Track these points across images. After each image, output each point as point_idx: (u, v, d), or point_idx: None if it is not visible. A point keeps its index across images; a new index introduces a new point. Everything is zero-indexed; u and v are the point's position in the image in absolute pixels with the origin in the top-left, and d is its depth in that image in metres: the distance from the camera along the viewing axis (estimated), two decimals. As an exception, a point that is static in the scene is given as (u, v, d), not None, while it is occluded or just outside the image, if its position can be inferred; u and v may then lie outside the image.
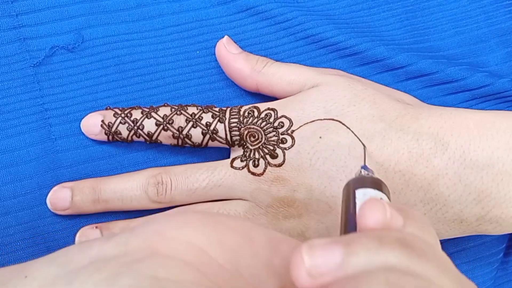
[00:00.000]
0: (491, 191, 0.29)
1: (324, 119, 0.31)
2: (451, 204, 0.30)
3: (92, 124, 0.32)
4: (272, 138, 0.31)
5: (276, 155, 0.31)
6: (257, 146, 0.32)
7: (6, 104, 0.32)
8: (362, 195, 0.22)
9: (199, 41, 0.35)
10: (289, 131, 0.31)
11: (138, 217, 0.33)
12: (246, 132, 0.32)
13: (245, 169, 0.31)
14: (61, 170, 0.33)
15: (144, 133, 0.32)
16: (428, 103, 0.35)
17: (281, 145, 0.31)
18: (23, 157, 0.32)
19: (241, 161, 0.32)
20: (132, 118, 0.32)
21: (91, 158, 0.33)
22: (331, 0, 0.37)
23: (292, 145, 0.31)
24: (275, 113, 0.32)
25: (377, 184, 0.23)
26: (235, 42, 0.34)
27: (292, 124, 0.31)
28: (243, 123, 0.32)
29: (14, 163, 0.32)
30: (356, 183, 0.23)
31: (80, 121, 0.33)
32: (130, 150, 0.34)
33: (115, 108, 0.33)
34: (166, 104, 0.33)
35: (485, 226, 0.31)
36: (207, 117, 0.32)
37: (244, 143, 0.32)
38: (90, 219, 0.33)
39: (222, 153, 0.34)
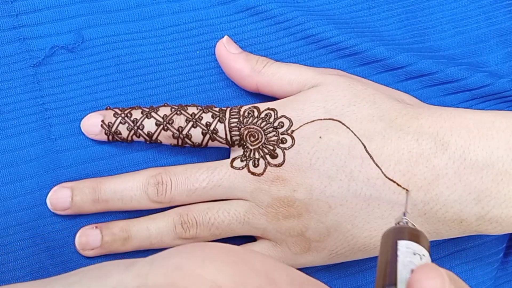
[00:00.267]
0: (491, 191, 0.30)
1: (324, 119, 0.31)
2: (451, 204, 0.30)
3: (92, 124, 0.32)
4: (272, 138, 0.31)
5: (276, 155, 0.31)
6: (257, 146, 0.32)
7: (6, 104, 0.32)
8: (405, 248, 0.22)
9: (199, 41, 0.35)
10: (289, 131, 0.31)
11: (138, 217, 0.33)
12: (246, 132, 0.32)
13: (245, 169, 0.31)
14: (61, 170, 0.33)
15: (144, 133, 0.32)
16: (428, 103, 0.35)
17: (281, 145, 0.31)
18: (23, 157, 0.32)
19: (241, 161, 0.32)
20: (132, 118, 0.32)
21: (91, 158, 0.33)
22: (331, 0, 0.37)
23: (292, 145, 0.31)
24: (275, 113, 0.32)
25: (419, 238, 0.23)
26: (235, 42, 0.34)
27: (292, 124, 0.31)
28: (243, 123, 0.32)
29: (14, 163, 0.32)
30: (397, 233, 0.23)
31: (80, 121, 0.33)
32: (130, 150, 0.34)
33: (115, 108, 0.33)
34: (166, 104, 0.33)
35: (485, 226, 0.31)
36: (207, 117, 0.32)
37: (244, 143, 0.32)
38: (90, 219, 0.33)
39: (222, 153, 0.34)
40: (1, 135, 0.32)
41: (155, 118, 0.32)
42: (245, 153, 0.32)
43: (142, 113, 0.32)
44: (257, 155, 0.31)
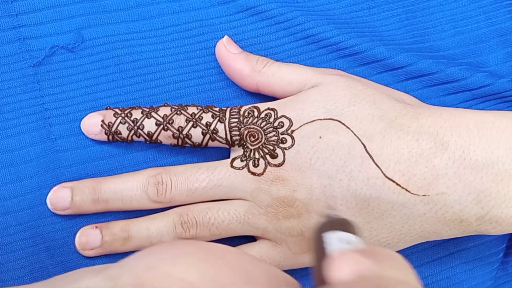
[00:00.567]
0: (491, 191, 0.30)
1: (324, 119, 0.31)
2: (451, 204, 0.30)
3: (92, 124, 0.32)
4: (272, 138, 0.31)
5: (276, 155, 0.31)
6: (257, 146, 0.32)
7: (6, 104, 0.32)
8: (331, 238, 0.22)
9: (199, 41, 0.35)
10: (289, 131, 0.31)
11: (138, 217, 0.33)
12: (246, 132, 0.32)
13: (245, 169, 0.31)
14: (61, 170, 0.33)
15: (144, 133, 0.32)
16: (428, 103, 0.35)
17: (281, 145, 0.31)
18: (23, 157, 0.32)
19: (241, 161, 0.32)
20: (132, 118, 0.32)
21: (91, 158, 0.33)
22: (331, 0, 0.37)
23: (292, 145, 0.31)
24: (275, 113, 0.32)
25: (344, 226, 0.23)
26: (235, 42, 0.34)
27: (292, 124, 0.31)
28: (243, 123, 0.32)
29: (14, 163, 0.32)
30: (324, 226, 0.23)
31: (80, 121, 0.33)
32: (130, 150, 0.34)
33: (115, 108, 0.33)
34: (166, 104, 0.33)
35: (485, 226, 0.31)
36: (207, 117, 0.32)
37: (244, 143, 0.32)
38: (90, 219, 0.33)
39: (222, 153, 0.34)
40: (1, 135, 0.32)
41: (155, 118, 0.32)
42: (245, 153, 0.32)
43: (142, 113, 0.32)
44: (257, 155, 0.31)
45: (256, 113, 0.32)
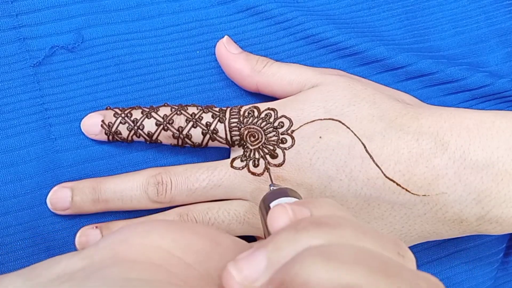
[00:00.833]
0: (491, 191, 0.30)
1: (324, 119, 0.31)
2: (451, 204, 0.30)
3: (92, 124, 0.32)
4: (272, 138, 0.31)
5: (276, 155, 0.31)
6: (257, 146, 0.32)
7: (6, 104, 0.32)
8: (276, 204, 0.24)
9: (199, 41, 0.35)
10: (289, 131, 0.31)
11: (138, 217, 0.33)
12: (246, 132, 0.32)
13: (245, 169, 0.31)
14: (61, 170, 0.33)
15: (144, 133, 0.32)
16: (428, 103, 0.35)
17: (281, 145, 0.31)
18: (23, 157, 0.32)
19: (241, 161, 0.32)
20: (132, 118, 0.32)
21: (91, 158, 0.33)
22: (331, 0, 0.37)
23: (292, 145, 0.31)
24: (275, 113, 0.32)
25: (284, 193, 0.25)
26: (235, 42, 0.34)
27: (292, 124, 0.31)
28: (243, 123, 0.32)
29: (14, 163, 0.32)
30: (265, 200, 0.25)
31: (80, 121, 0.33)
32: (130, 150, 0.34)
33: (115, 108, 0.33)
34: (166, 104, 0.33)
35: (485, 226, 0.31)
36: (207, 117, 0.32)
37: (244, 143, 0.32)
38: (90, 219, 0.33)
39: (222, 153, 0.34)
40: (1, 135, 0.32)
41: (155, 118, 0.32)
42: (245, 153, 0.32)
43: (142, 113, 0.32)
44: (257, 155, 0.31)
45: (256, 113, 0.32)
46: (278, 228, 0.20)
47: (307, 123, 0.31)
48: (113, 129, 0.32)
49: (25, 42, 0.33)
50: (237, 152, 0.33)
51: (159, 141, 0.32)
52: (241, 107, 0.33)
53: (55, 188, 0.32)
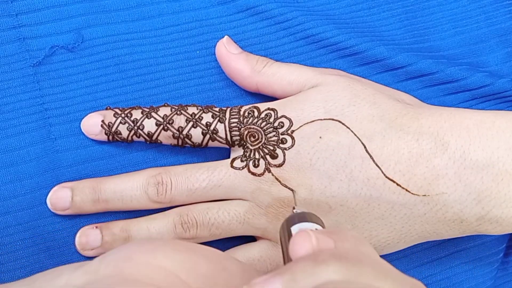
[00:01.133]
0: (491, 191, 0.30)
1: (324, 119, 0.31)
2: (451, 204, 0.30)
3: (92, 124, 0.32)
4: (272, 138, 0.31)
5: (276, 155, 0.31)
6: (257, 146, 0.32)
7: (6, 104, 0.32)
8: (298, 230, 0.23)
9: (199, 41, 0.35)
10: (289, 131, 0.31)
11: (138, 217, 0.33)
12: (246, 132, 0.32)
13: (245, 169, 0.31)
14: (61, 170, 0.33)
15: (144, 133, 0.32)
16: (428, 103, 0.35)
17: (281, 145, 0.31)
18: (23, 157, 0.32)
19: (241, 161, 0.32)
20: (132, 118, 0.32)
21: (91, 158, 0.33)
22: (331, 0, 0.37)
23: (292, 145, 0.31)
24: (275, 113, 0.32)
25: (306, 217, 0.24)
26: (235, 42, 0.34)
27: (292, 124, 0.31)
28: (243, 123, 0.32)
29: (14, 163, 0.32)
30: (288, 222, 0.24)
31: (80, 121, 0.33)
32: (130, 150, 0.34)
33: (115, 108, 0.33)
34: (166, 104, 0.33)
35: (485, 226, 0.31)
36: (207, 117, 0.32)
37: (244, 143, 0.32)
38: (90, 219, 0.33)
39: (222, 153, 0.34)
40: (1, 135, 0.32)
41: (155, 118, 0.32)
42: (245, 153, 0.32)
43: (142, 113, 0.32)
44: (257, 155, 0.31)
45: (256, 113, 0.32)
46: (299, 255, 0.20)
47: (307, 123, 0.31)
48: (113, 129, 0.32)
49: (25, 42, 0.33)
50: (237, 152, 0.33)
51: (159, 141, 0.32)
52: (241, 107, 0.33)
53: (55, 188, 0.32)
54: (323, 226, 0.24)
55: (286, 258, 0.22)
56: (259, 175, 0.31)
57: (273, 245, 0.32)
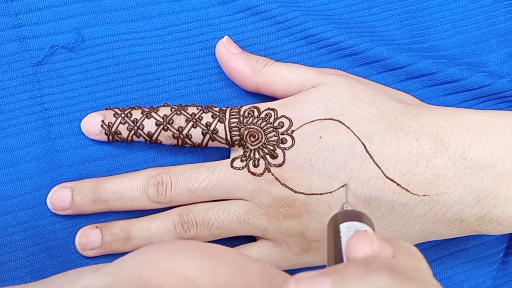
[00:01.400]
0: (491, 191, 0.30)
1: (324, 119, 0.31)
2: (451, 204, 0.30)
3: (92, 124, 0.32)
4: (272, 138, 0.31)
5: (276, 155, 0.31)
6: (257, 146, 0.32)
7: (6, 103, 0.32)
8: (346, 228, 0.23)
9: (199, 41, 0.35)
10: (289, 131, 0.31)
11: (138, 217, 0.33)
12: (246, 132, 0.32)
13: (245, 169, 0.31)
14: (61, 170, 0.33)
15: (144, 133, 0.32)
16: (428, 103, 0.35)
17: (281, 145, 0.31)
18: (23, 157, 0.32)
19: (241, 161, 0.32)
20: (132, 118, 0.32)
21: (91, 158, 0.33)
22: (331, 0, 0.37)
23: (292, 145, 0.31)
24: (275, 113, 0.32)
25: (360, 217, 0.24)
26: (235, 42, 0.34)
27: (292, 124, 0.31)
28: (243, 123, 0.32)
29: (14, 163, 0.32)
30: (339, 217, 0.24)
31: (80, 121, 0.33)
32: (130, 150, 0.34)
33: (115, 108, 0.33)
34: (166, 104, 0.33)
35: (485, 226, 0.31)
36: (207, 117, 0.32)
37: (244, 143, 0.32)
38: (90, 219, 0.33)
39: (222, 153, 0.34)
40: (1, 135, 0.32)
41: (155, 118, 0.32)
42: (245, 153, 0.32)
43: (142, 113, 0.32)
44: (257, 155, 0.31)
45: (256, 113, 0.32)
46: (357, 256, 0.19)
47: (307, 123, 0.31)
48: (113, 129, 0.32)
49: (24, 42, 0.33)
50: (237, 152, 0.33)
51: (159, 141, 0.32)
52: (241, 107, 0.33)
53: (55, 188, 0.32)
54: (373, 228, 0.24)
55: (332, 255, 0.22)
56: (259, 175, 0.31)
57: (273, 245, 0.32)
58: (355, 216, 0.24)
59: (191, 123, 0.32)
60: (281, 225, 0.31)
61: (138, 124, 0.32)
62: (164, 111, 0.32)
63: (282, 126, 0.31)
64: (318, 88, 0.32)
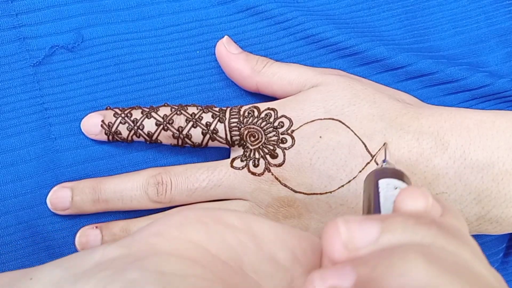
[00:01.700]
0: (491, 190, 0.30)
1: (324, 118, 0.31)
2: (451, 203, 0.30)
3: (92, 124, 0.32)
4: (272, 138, 0.31)
5: (276, 155, 0.31)
6: (257, 146, 0.32)
7: (6, 103, 0.32)
8: (386, 185, 0.22)
9: (199, 41, 0.35)
10: (289, 131, 0.31)
11: (138, 217, 0.33)
12: (246, 132, 0.32)
13: (245, 169, 0.31)
14: (61, 169, 0.33)
15: (144, 133, 0.32)
16: (428, 103, 0.35)
17: (281, 145, 0.31)
18: (23, 157, 0.32)
19: (241, 161, 0.32)
20: (132, 118, 0.32)
21: (91, 158, 0.33)
22: (331, 0, 0.37)
23: (292, 145, 0.31)
24: (275, 113, 0.32)
25: (400, 175, 0.23)
26: (235, 42, 0.34)
27: (292, 124, 0.31)
28: (243, 123, 0.32)
29: (14, 163, 0.32)
30: (379, 173, 0.23)
31: (80, 121, 0.33)
32: (130, 150, 0.34)
33: (115, 108, 0.33)
34: (166, 104, 0.33)
35: (485, 225, 0.31)
36: (207, 117, 0.32)
37: (244, 143, 0.32)
38: (90, 219, 0.33)
39: (222, 153, 0.34)
40: (1, 135, 0.32)
41: (155, 118, 0.32)
42: (245, 153, 0.32)
43: (142, 113, 0.32)
44: (257, 155, 0.31)
45: (256, 113, 0.32)
46: (410, 208, 0.19)
47: (307, 123, 0.31)
48: (113, 129, 0.32)
49: (25, 42, 0.33)
50: (237, 152, 0.33)
51: (159, 141, 0.32)
52: (241, 107, 0.33)
53: (55, 188, 0.32)
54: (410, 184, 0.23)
55: (373, 207, 0.22)
56: (259, 174, 0.31)
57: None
58: (395, 174, 0.23)
59: (191, 123, 0.32)
60: (281, 225, 0.31)
61: (138, 124, 0.32)
62: (164, 111, 0.32)
63: (282, 126, 0.31)
64: (318, 88, 0.32)
